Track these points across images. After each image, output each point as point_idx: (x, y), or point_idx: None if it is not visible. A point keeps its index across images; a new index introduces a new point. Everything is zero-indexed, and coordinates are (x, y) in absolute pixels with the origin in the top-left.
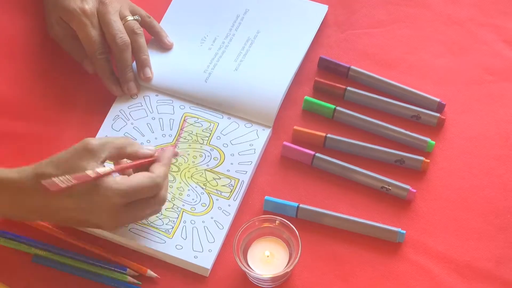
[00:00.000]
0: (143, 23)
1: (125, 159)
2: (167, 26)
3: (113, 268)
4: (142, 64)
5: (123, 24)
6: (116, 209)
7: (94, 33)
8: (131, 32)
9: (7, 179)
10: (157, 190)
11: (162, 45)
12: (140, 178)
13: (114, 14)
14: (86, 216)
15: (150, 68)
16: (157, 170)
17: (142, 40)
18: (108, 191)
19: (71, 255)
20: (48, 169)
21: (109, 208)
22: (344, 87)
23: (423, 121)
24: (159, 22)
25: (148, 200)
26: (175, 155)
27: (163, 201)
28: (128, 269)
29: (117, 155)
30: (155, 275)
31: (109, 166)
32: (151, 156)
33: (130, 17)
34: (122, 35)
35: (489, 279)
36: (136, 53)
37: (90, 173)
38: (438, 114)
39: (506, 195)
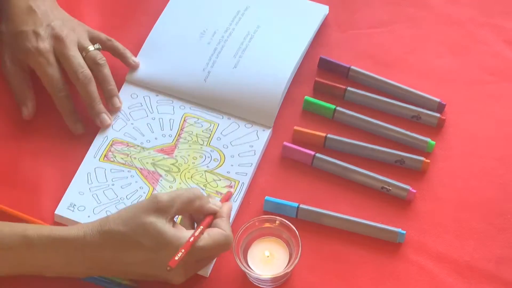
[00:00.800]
0: (105, 47)
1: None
2: (166, 20)
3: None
4: (110, 95)
5: (85, 56)
6: (188, 266)
7: (51, 71)
8: (93, 64)
9: (70, 238)
10: (229, 247)
11: (127, 65)
12: (215, 236)
13: (72, 48)
14: (154, 271)
15: (118, 98)
16: (226, 227)
17: (106, 71)
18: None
19: None
20: (116, 226)
21: (182, 265)
22: (344, 87)
23: (423, 121)
24: (158, 17)
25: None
26: (231, 206)
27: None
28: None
29: (185, 210)
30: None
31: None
32: (215, 212)
33: (91, 47)
34: (83, 69)
35: (489, 280)
36: (102, 84)
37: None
38: (438, 115)
39: (506, 195)
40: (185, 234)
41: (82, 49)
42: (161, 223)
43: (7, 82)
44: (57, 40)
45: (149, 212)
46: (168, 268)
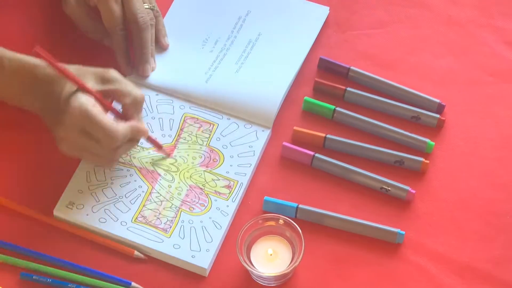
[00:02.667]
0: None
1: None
2: (167, 28)
3: (116, 281)
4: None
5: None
6: (74, 127)
7: (116, 7)
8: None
9: (30, 62)
10: (110, 141)
11: (157, 43)
12: (106, 118)
13: None
14: (56, 120)
15: (151, 62)
16: (122, 126)
17: (152, 32)
18: (79, 106)
19: (66, 265)
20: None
21: (70, 122)
22: (344, 87)
23: (423, 122)
24: None
25: (98, 143)
26: (145, 133)
27: (111, 162)
28: (132, 283)
29: (117, 96)
30: (142, 255)
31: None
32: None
33: (146, 5)
34: (143, 14)
35: (488, 280)
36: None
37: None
38: (438, 115)
39: (506, 196)
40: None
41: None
42: (92, 86)
43: (75, 22)
44: None
45: (94, 74)
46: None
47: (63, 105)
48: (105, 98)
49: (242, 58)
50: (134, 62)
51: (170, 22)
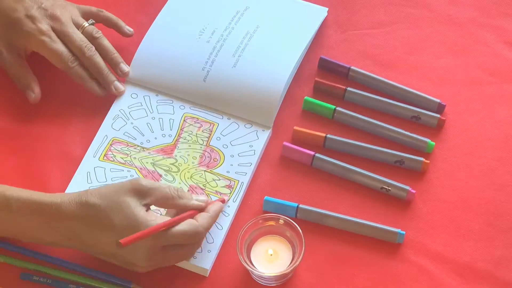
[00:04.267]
0: (98, 20)
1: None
2: (166, 18)
3: (116, 282)
4: (116, 62)
5: (81, 32)
6: (153, 250)
7: (58, 46)
8: (91, 39)
9: (47, 202)
10: (197, 240)
11: (122, 34)
12: (184, 225)
13: (70, 25)
14: (122, 252)
15: (124, 63)
16: (203, 220)
17: (105, 42)
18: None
19: (67, 265)
20: (93, 199)
21: (147, 248)
22: (344, 87)
23: (423, 122)
24: (157, 14)
25: (186, 246)
26: (222, 209)
27: (198, 247)
28: (132, 283)
29: (164, 204)
30: None
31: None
32: (201, 208)
33: (85, 23)
34: (86, 43)
35: (489, 280)
36: (105, 55)
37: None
38: (438, 115)
39: (506, 196)
40: (157, 219)
41: (77, 26)
42: (136, 204)
43: (7, 71)
44: (54, 19)
45: (127, 193)
46: (117, 245)
47: (126, 235)
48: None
49: (240, 49)
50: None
51: (167, 14)
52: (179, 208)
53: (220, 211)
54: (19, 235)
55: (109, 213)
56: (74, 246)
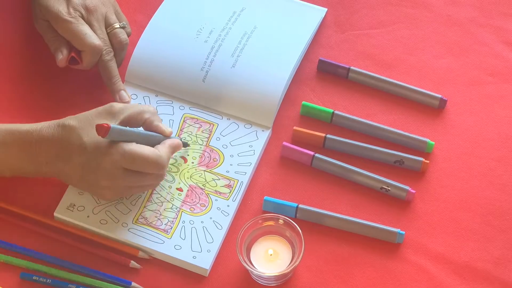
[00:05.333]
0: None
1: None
2: (162, 18)
3: (116, 281)
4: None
5: (109, 32)
6: (116, 171)
7: (83, 27)
8: (117, 42)
9: (28, 129)
10: (159, 169)
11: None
12: (146, 150)
13: (100, 22)
14: (90, 175)
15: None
16: (163, 150)
17: (124, 53)
18: (116, 150)
19: (67, 265)
20: (69, 121)
21: (111, 167)
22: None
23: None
24: (153, 13)
25: (147, 175)
26: (180, 147)
27: (161, 179)
28: (132, 283)
29: (135, 119)
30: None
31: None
32: (163, 133)
33: (116, 25)
34: (107, 47)
35: (488, 280)
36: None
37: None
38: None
39: (506, 196)
40: (126, 143)
41: (108, 25)
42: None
43: (42, 35)
44: (87, 10)
45: (101, 115)
46: (97, 130)
47: (93, 155)
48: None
49: (238, 50)
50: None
51: (162, 14)
52: (145, 125)
53: (178, 147)
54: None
55: (81, 133)
56: (51, 172)
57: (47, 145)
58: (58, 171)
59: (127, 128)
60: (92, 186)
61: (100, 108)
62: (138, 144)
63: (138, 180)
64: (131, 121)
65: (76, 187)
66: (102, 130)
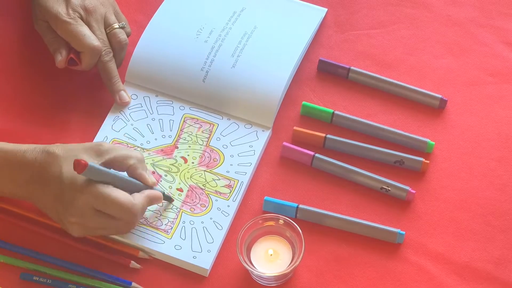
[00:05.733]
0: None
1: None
2: (162, 18)
3: (116, 282)
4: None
5: (109, 32)
6: (87, 210)
7: (82, 28)
8: (116, 42)
9: (13, 149)
10: (130, 217)
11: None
12: (121, 195)
13: (99, 23)
14: (61, 207)
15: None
16: (138, 199)
17: (123, 53)
18: (90, 189)
19: (67, 265)
20: (54, 148)
21: (82, 206)
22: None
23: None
24: (154, 13)
25: (118, 220)
26: (159, 200)
27: (131, 227)
28: (132, 283)
29: (120, 163)
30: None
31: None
32: (146, 182)
33: (116, 25)
34: (106, 48)
35: (488, 280)
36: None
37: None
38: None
39: (506, 196)
40: (102, 185)
41: (107, 25)
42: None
43: (41, 35)
44: (86, 11)
45: (86, 151)
46: (74, 165)
47: (68, 189)
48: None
49: (238, 50)
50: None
51: (163, 14)
52: (132, 172)
53: (157, 200)
54: None
55: (62, 164)
56: (26, 195)
57: (28, 168)
58: (32, 195)
59: (106, 169)
60: (61, 218)
61: (89, 144)
62: (115, 188)
63: (107, 223)
64: (116, 164)
65: (48, 214)
66: (79, 166)
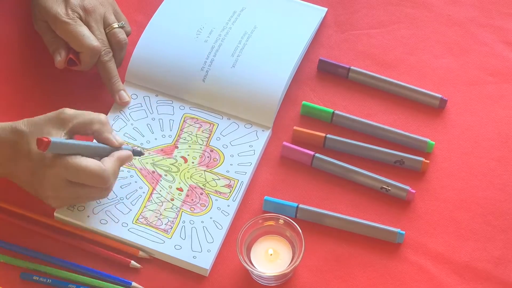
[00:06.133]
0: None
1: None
2: (162, 18)
3: (116, 281)
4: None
5: (109, 32)
6: (58, 181)
7: (81, 29)
8: (116, 42)
9: None
10: (103, 183)
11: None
12: (90, 163)
13: (98, 23)
14: (36, 182)
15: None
16: (108, 164)
17: (123, 53)
18: (58, 163)
19: (67, 265)
20: (22, 126)
21: (55, 179)
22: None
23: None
24: (153, 13)
25: (92, 188)
26: (130, 159)
27: (107, 194)
28: (133, 283)
29: (84, 129)
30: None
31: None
32: (112, 144)
33: (115, 24)
34: (105, 48)
35: (488, 280)
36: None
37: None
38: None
39: (506, 196)
40: (71, 156)
41: (106, 25)
42: (56, 134)
43: (41, 35)
44: (85, 11)
45: (51, 122)
46: (37, 144)
47: (38, 164)
48: (73, 135)
49: (238, 49)
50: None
51: (163, 14)
52: (97, 136)
53: (128, 159)
54: None
55: (29, 141)
56: (4, 172)
57: (1, 147)
58: (9, 172)
59: (70, 141)
60: (38, 193)
61: (51, 114)
62: (83, 157)
63: (82, 192)
64: (80, 130)
65: (26, 190)
66: (42, 144)
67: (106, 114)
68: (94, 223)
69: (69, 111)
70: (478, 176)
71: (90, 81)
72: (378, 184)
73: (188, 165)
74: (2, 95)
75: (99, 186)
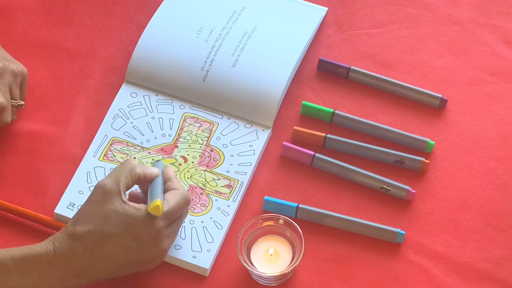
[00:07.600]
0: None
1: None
2: (162, 18)
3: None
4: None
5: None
6: (160, 233)
7: None
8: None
9: (37, 255)
10: (188, 205)
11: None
12: (174, 197)
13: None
14: (133, 253)
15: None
16: (178, 185)
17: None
18: (150, 217)
19: None
20: (82, 228)
21: (155, 234)
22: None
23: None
24: (154, 13)
25: (181, 216)
26: (168, 168)
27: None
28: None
29: (130, 182)
30: None
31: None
32: (157, 174)
33: (13, 102)
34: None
35: (488, 280)
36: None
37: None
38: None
39: (506, 196)
40: (141, 205)
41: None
42: (117, 205)
43: None
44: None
45: (101, 203)
46: (151, 209)
47: (141, 246)
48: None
49: (239, 49)
50: None
51: (163, 13)
52: (140, 181)
53: (170, 171)
54: None
55: (103, 229)
56: (87, 280)
57: (72, 261)
58: (98, 275)
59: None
60: (142, 262)
61: (93, 196)
62: (164, 199)
63: (177, 223)
64: (129, 186)
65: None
66: (158, 209)
67: (106, 113)
68: None
69: (105, 182)
70: (478, 176)
71: (90, 79)
72: (378, 184)
73: (188, 164)
74: None
75: (187, 209)
